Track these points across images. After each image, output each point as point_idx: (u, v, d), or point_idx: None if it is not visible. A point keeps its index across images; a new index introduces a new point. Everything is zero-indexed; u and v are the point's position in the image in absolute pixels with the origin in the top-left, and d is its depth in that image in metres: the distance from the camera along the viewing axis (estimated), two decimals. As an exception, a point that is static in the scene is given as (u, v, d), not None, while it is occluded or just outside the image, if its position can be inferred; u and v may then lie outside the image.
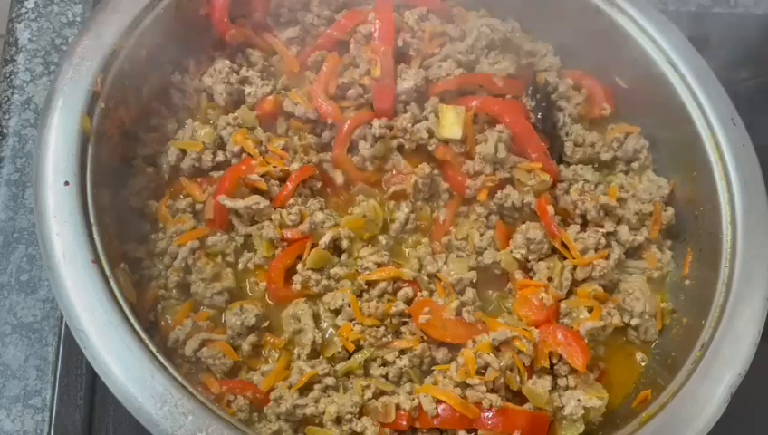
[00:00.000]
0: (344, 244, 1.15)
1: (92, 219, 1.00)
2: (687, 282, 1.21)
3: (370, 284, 1.12)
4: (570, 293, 1.18)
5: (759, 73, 1.39)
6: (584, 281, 1.18)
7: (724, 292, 1.11)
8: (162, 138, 1.20)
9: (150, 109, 1.21)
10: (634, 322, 1.17)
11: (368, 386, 1.05)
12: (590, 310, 1.15)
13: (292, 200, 1.16)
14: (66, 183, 1.00)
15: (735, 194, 1.17)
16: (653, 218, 1.24)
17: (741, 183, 1.17)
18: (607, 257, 1.18)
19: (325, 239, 1.14)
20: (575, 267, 1.18)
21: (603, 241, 1.19)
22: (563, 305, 1.15)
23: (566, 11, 1.33)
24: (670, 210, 1.25)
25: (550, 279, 1.17)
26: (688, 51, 1.27)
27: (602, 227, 1.21)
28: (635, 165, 1.30)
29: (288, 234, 1.13)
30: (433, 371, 1.08)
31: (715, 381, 1.03)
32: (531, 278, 1.18)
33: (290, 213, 1.14)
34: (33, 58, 1.31)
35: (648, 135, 1.31)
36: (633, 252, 1.23)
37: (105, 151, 1.07)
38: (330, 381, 1.05)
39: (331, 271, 1.14)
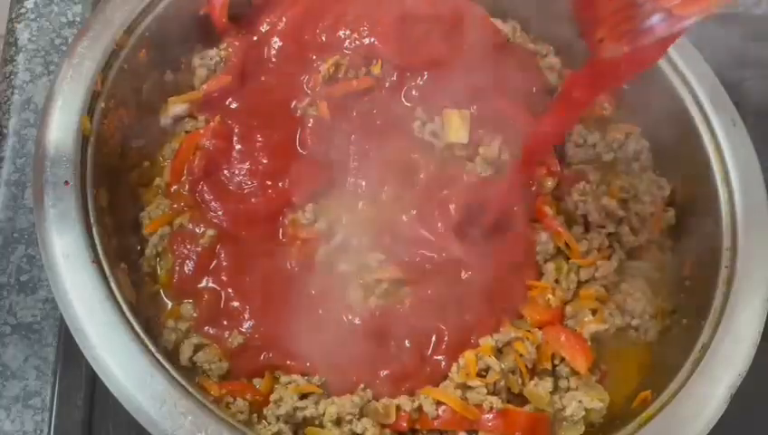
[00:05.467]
0: (354, 242, 1.15)
1: (92, 219, 1.00)
2: (687, 282, 1.21)
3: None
4: (574, 294, 1.18)
5: (759, 74, 1.39)
6: (587, 282, 1.18)
7: (724, 292, 1.11)
8: (162, 136, 1.20)
9: (150, 108, 1.21)
10: (634, 322, 1.17)
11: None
12: (594, 312, 1.15)
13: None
14: (66, 183, 1.00)
15: (735, 194, 1.17)
16: (654, 219, 1.24)
17: (741, 183, 1.17)
18: (609, 258, 1.18)
19: (337, 239, 1.13)
20: (579, 269, 1.18)
21: (607, 242, 1.20)
22: (569, 308, 1.15)
23: (566, 11, 1.32)
24: (671, 211, 1.25)
25: (557, 281, 1.17)
26: (688, 51, 1.27)
27: (604, 227, 1.21)
28: (635, 165, 1.30)
29: (303, 233, 1.13)
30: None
31: (715, 381, 1.03)
32: (539, 279, 1.17)
33: (305, 211, 1.14)
34: (33, 58, 1.31)
35: (648, 135, 1.31)
36: (633, 252, 1.23)
37: (105, 151, 1.07)
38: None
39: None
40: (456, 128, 1.20)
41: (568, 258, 1.19)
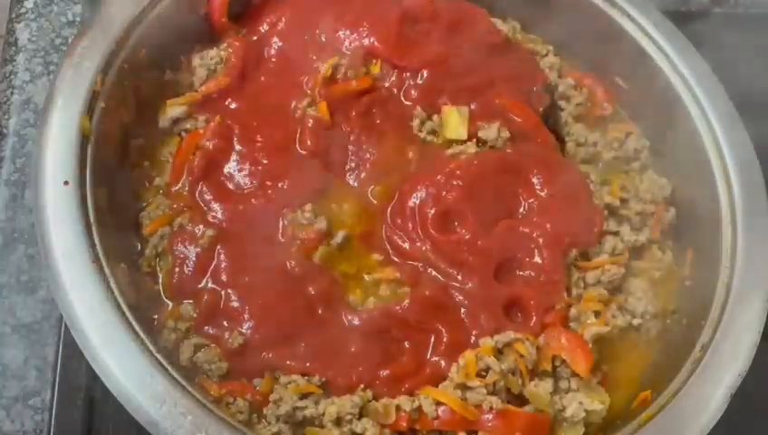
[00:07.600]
0: (354, 242, 1.15)
1: (92, 219, 1.00)
2: (687, 282, 1.21)
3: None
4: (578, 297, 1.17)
5: (759, 73, 1.39)
6: (593, 285, 1.17)
7: (724, 292, 1.11)
8: (162, 136, 1.20)
9: (150, 108, 1.21)
10: (636, 322, 1.17)
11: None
12: (597, 314, 1.15)
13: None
14: (66, 183, 1.00)
15: (735, 194, 1.17)
16: (654, 218, 1.24)
17: (741, 183, 1.18)
18: (618, 263, 1.18)
19: (337, 239, 1.13)
20: (585, 272, 1.18)
21: (620, 246, 1.20)
22: (573, 310, 1.15)
23: (566, 11, 1.33)
24: (671, 210, 1.25)
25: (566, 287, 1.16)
26: (688, 51, 1.27)
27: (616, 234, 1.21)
28: (635, 165, 1.30)
29: (303, 233, 1.12)
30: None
31: (715, 381, 1.03)
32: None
33: (304, 211, 1.14)
34: (33, 58, 1.31)
35: (649, 135, 1.31)
36: (635, 252, 1.23)
37: (105, 151, 1.07)
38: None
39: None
40: (454, 125, 1.21)
41: (576, 265, 1.18)
